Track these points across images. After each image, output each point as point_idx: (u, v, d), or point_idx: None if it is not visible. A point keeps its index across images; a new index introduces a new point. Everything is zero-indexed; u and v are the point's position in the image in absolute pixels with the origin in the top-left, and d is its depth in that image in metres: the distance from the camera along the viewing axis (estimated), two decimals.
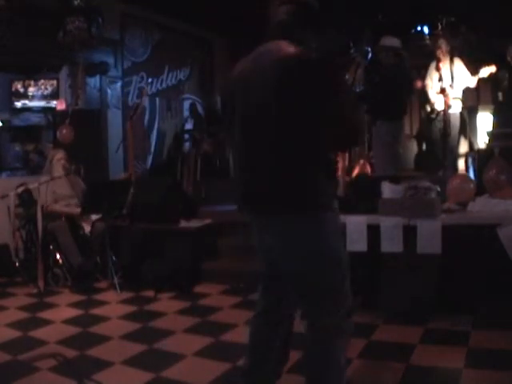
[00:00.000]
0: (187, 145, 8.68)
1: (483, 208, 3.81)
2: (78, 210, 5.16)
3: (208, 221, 5.54)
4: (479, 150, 5.66)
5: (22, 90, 7.33)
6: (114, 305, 4.44)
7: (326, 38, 2.32)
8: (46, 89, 7.38)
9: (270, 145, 1.96)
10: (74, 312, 4.23)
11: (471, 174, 5.52)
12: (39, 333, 3.71)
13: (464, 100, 5.97)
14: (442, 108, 5.91)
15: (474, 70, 5.84)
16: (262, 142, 1.99)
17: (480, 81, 5.90)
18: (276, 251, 2.10)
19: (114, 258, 4.94)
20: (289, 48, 1.99)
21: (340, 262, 2.06)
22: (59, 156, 5.39)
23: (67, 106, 7.17)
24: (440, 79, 5.92)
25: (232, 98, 2.12)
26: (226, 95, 2.23)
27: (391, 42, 5.44)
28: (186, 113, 9.44)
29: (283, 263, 2.10)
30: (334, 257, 2.04)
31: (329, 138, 2.00)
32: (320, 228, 2.01)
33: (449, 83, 5.85)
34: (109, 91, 7.92)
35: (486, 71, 5.74)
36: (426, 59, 6.37)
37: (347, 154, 6.09)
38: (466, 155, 6.30)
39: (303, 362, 2.14)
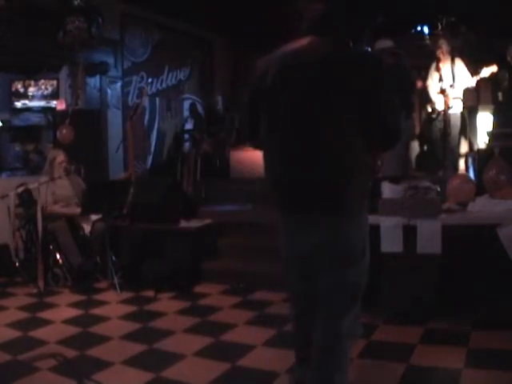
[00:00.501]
0: (187, 145, 8.69)
1: (483, 208, 3.81)
2: (78, 210, 5.16)
3: (208, 221, 5.54)
4: (479, 150, 5.65)
5: (21, 89, 7.32)
6: (113, 305, 4.44)
7: (360, 34, 2.31)
8: (46, 89, 7.38)
9: (321, 145, 1.93)
10: (74, 312, 4.23)
11: (471, 174, 5.52)
12: (39, 333, 3.71)
13: (464, 100, 5.97)
14: (443, 108, 5.91)
15: (474, 70, 5.84)
16: (311, 141, 1.95)
17: (480, 81, 5.91)
18: (320, 251, 2.02)
19: (113, 258, 4.94)
20: (338, 46, 2.00)
21: (368, 264, 2.07)
22: (60, 159, 5.39)
23: (67, 105, 7.17)
24: (440, 79, 5.92)
25: (265, 96, 2.06)
26: (256, 93, 2.12)
27: (384, 43, 5.48)
28: (186, 113, 9.44)
29: (327, 263, 2.02)
30: (368, 257, 2.06)
31: (371, 139, 1.99)
32: (363, 228, 2.05)
33: (449, 83, 5.85)
34: (109, 91, 7.92)
35: (486, 71, 5.74)
36: (426, 59, 6.36)
37: None
38: (466, 155, 6.30)
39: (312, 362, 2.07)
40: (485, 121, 6.45)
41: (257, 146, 2.23)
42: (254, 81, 2.14)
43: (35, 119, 7.40)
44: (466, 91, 5.95)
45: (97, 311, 4.25)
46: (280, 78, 2.01)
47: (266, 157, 2.12)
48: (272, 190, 2.11)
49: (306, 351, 2.10)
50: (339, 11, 2.11)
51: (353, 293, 2.03)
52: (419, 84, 6.19)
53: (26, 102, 7.31)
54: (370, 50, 5.81)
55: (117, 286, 4.73)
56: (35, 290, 4.80)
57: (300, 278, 2.14)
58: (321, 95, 1.93)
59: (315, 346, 2.04)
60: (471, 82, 5.83)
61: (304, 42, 2.04)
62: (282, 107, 2.01)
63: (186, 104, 9.57)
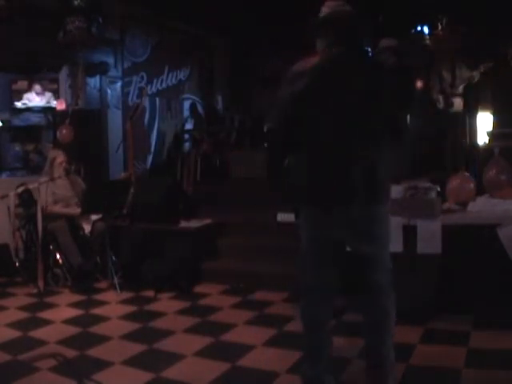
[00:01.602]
0: (187, 145, 8.69)
1: (483, 208, 3.81)
2: (78, 210, 5.16)
3: (208, 221, 5.54)
4: (479, 150, 5.65)
5: (22, 89, 7.32)
6: (113, 305, 4.44)
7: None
8: (46, 89, 7.38)
9: (362, 146, 2.27)
10: (74, 312, 4.23)
11: (471, 174, 5.52)
12: (39, 333, 3.71)
13: (464, 100, 5.98)
14: (443, 108, 5.91)
15: (474, 70, 5.85)
16: (353, 143, 2.28)
17: (480, 80, 5.91)
18: (358, 238, 2.38)
19: (113, 258, 4.94)
20: (363, 57, 2.40)
21: None
22: (60, 159, 5.38)
23: (67, 105, 7.17)
24: (440, 79, 5.92)
25: (305, 105, 2.29)
26: (296, 101, 2.33)
27: (388, 42, 5.47)
28: (186, 113, 9.45)
29: (365, 247, 2.37)
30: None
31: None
32: (388, 216, 2.47)
33: (449, 83, 5.86)
34: (109, 91, 7.92)
35: (486, 71, 5.75)
36: (426, 59, 6.37)
37: None
38: (466, 155, 6.29)
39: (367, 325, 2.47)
40: (485, 121, 6.45)
41: (286, 150, 2.47)
42: (292, 89, 2.34)
43: (35, 119, 7.40)
44: (466, 91, 5.96)
45: (97, 311, 4.25)
46: (320, 89, 2.29)
47: (307, 159, 2.33)
48: (315, 186, 2.34)
49: (323, 350, 2.48)
50: (362, 24, 2.44)
51: (388, 268, 2.43)
52: (419, 84, 6.19)
53: (26, 102, 7.31)
54: (369, 50, 5.82)
55: (117, 286, 4.73)
56: (35, 290, 4.80)
57: (331, 263, 2.44)
58: (356, 103, 2.25)
59: (368, 323, 2.45)
60: (471, 81, 5.84)
61: (334, 53, 2.35)
62: (324, 114, 2.27)
63: (186, 104, 9.57)
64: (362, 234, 2.37)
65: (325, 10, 2.50)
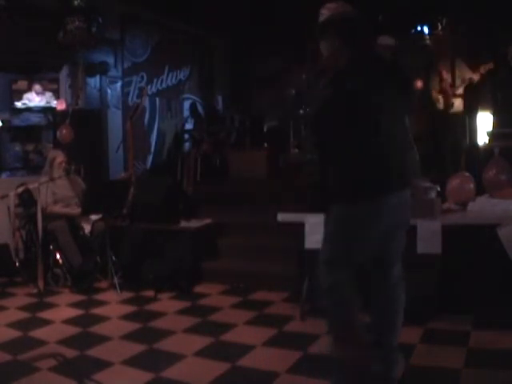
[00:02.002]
0: (187, 145, 8.69)
1: (483, 208, 3.80)
2: (78, 210, 5.16)
3: (208, 221, 5.54)
4: (479, 150, 5.65)
5: (22, 90, 7.32)
6: (113, 305, 4.44)
7: None
8: (46, 89, 7.38)
9: (404, 140, 2.54)
10: (74, 312, 4.23)
11: (471, 174, 5.52)
12: (39, 333, 3.71)
13: (464, 100, 5.98)
14: (443, 108, 5.91)
15: (474, 70, 5.85)
16: (403, 137, 2.54)
17: (480, 80, 5.91)
18: (403, 222, 2.60)
19: (113, 258, 4.93)
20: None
21: None
22: (59, 160, 5.38)
23: (67, 105, 7.17)
24: (440, 79, 5.93)
25: (362, 101, 2.36)
26: (353, 98, 2.38)
27: (385, 40, 5.47)
28: (186, 113, 9.45)
29: (404, 229, 2.62)
30: None
31: None
32: None
33: (449, 83, 5.86)
34: (109, 91, 7.92)
35: (486, 71, 5.75)
36: (426, 59, 6.37)
37: None
38: (466, 155, 6.29)
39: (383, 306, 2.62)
40: (485, 121, 6.45)
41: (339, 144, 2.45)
42: (344, 91, 2.39)
43: (35, 119, 7.40)
44: (466, 91, 5.96)
45: (97, 311, 4.25)
46: (374, 87, 2.39)
47: (368, 151, 2.38)
48: (380, 175, 2.42)
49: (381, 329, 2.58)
50: (368, 23, 2.63)
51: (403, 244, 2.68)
52: (419, 84, 6.19)
53: (26, 102, 7.31)
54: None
55: (117, 286, 4.73)
56: (35, 290, 4.79)
57: (382, 244, 2.53)
58: (399, 99, 2.47)
59: (387, 296, 2.61)
60: (471, 81, 5.84)
61: (370, 51, 2.61)
62: (381, 110, 2.39)
63: (186, 104, 9.57)
64: (403, 220, 2.58)
65: (325, 12, 2.53)
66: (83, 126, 6.72)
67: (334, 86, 2.43)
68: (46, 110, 7.34)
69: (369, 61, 2.50)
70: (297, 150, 7.67)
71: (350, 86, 2.35)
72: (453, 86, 5.82)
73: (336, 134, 2.40)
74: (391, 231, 2.52)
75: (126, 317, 4.08)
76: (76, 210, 5.20)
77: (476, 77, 5.78)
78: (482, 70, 5.75)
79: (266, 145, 8.03)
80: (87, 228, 5.23)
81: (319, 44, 2.57)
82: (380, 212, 2.42)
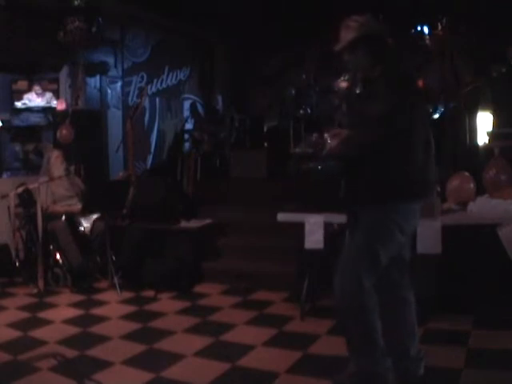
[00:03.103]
0: (187, 145, 8.68)
1: (483, 208, 3.80)
2: (79, 205, 5.15)
3: (208, 221, 5.54)
4: (479, 150, 5.65)
5: (22, 89, 7.32)
6: (113, 305, 4.44)
7: None
8: (47, 89, 7.38)
9: (430, 148, 2.57)
10: (74, 312, 4.23)
11: (471, 174, 5.52)
12: (39, 333, 3.71)
13: (464, 99, 5.97)
14: (442, 108, 5.91)
15: (474, 70, 5.84)
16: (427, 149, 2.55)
17: (480, 80, 5.90)
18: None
19: (113, 258, 4.93)
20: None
21: None
22: (55, 154, 5.38)
23: (67, 105, 7.17)
24: (440, 79, 5.92)
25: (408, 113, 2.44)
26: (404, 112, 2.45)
27: None
28: (186, 113, 9.44)
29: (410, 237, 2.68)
30: None
31: None
32: None
33: (449, 83, 5.85)
34: (109, 91, 7.92)
35: (487, 71, 5.74)
36: (426, 59, 6.36)
37: None
38: (466, 155, 6.29)
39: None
40: (485, 121, 6.45)
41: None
42: (395, 103, 2.43)
43: (35, 119, 7.40)
44: (466, 91, 5.95)
45: (97, 311, 4.25)
46: (411, 100, 2.49)
47: (404, 160, 2.46)
48: (414, 185, 2.49)
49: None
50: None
51: None
52: (419, 84, 6.18)
53: (26, 102, 7.31)
54: None
55: (117, 286, 4.73)
56: (35, 290, 4.80)
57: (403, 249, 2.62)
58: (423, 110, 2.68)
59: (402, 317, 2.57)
60: (471, 81, 5.83)
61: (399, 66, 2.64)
62: (416, 121, 2.48)
63: (186, 104, 9.57)
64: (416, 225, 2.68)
65: (355, 26, 2.55)
66: (83, 126, 6.71)
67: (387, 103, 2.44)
68: (46, 110, 7.34)
69: (400, 78, 2.53)
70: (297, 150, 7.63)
71: (393, 101, 2.40)
72: (453, 85, 5.81)
73: (382, 143, 2.43)
74: (411, 233, 2.65)
75: (126, 317, 4.08)
76: (77, 207, 5.20)
77: (476, 77, 5.78)
78: (482, 69, 5.75)
79: (266, 145, 8.02)
80: (87, 228, 5.23)
81: (345, 54, 2.59)
82: (413, 214, 2.53)
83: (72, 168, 5.46)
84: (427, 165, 2.53)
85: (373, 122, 2.42)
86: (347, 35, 2.55)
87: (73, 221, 5.22)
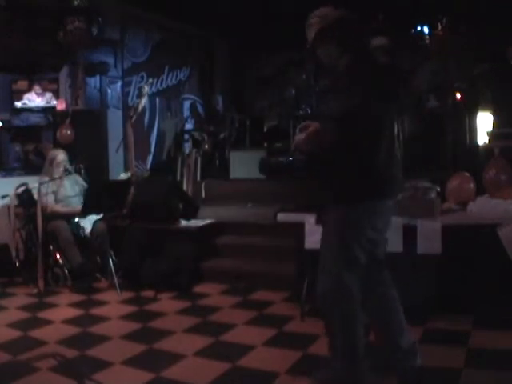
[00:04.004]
0: (187, 145, 8.68)
1: (483, 208, 3.81)
2: (79, 208, 5.15)
3: (208, 221, 5.54)
4: (479, 150, 5.65)
5: (22, 90, 7.32)
6: (114, 305, 4.44)
7: None
8: (46, 89, 7.38)
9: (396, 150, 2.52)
10: (74, 312, 4.23)
11: (471, 174, 5.52)
12: (39, 333, 3.71)
13: (464, 99, 5.97)
14: (442, 107, 5.91)
15: (473, 70, 5.84)
16: (394, 146, 2.52)
17: (480, 80, 5.91)
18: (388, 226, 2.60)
19: (113, 258, 4.93)
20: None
21: None
22: (60, 159, 5.37)
23: (67, 105, 7.17)
24: (440, 79, 5.92)
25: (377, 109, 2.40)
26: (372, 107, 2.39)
27: (379, 41, 5.48)
28: (186, 113, 9.44)
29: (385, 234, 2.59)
30: None
31: None
32: None
33: (448, 83, 5.85)
34: (109, 91, 7.92)
35: (486, 71, 5.74)
36: (425, 59, 6.37)
37: None
38: (466, 155, 6.29)
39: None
40: (485, 121, 6.45)
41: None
42: (363, 97, 2.38)
43: (35, 119, 7.40)
44: (466, 90, 5.95)
45: (97, 311, 4.25)
46: (376, 98, 2.43)
47: (374, 155, 2.40)
48: (385, 183, 2.46)
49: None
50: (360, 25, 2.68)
51: None
52: (419, 84, 6.19)
53: (26, 102, 7.31)
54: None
55: (117, 286, 4.73)
56: (35, 290, 4.79)
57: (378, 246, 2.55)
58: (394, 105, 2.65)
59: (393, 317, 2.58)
60: (471, 81, 5.83)
61: (368, 53, 2.66)
62: (386, 118, 2.47)
63: (186, 104, 9.57)
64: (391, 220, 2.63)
65: (317, 20, 2.51)
66: (83, 126, 6.71)
67: (349, 96, 2.36)
68: (46, 110, 7.34)
69: (369, 66, 2.45)
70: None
71: (360, 101, 2.31)
72: (452, 85, 5.81)
73: (349, 142, 2.37)
74: (385, 230, 2.58)
75: (126, 317, 4.08)
76: (78, 208, 5.20)
77: (476, 77, 5.78)
78: (482, 69, 5.75)
79: (265, 145, 8.02)
80: (87, 228, 5.23)
81: (316, 50, 2.56)
82: (386, 210, 2.52)
83: (72, 168, 5.45)
84: (393, 160, 2.48)
85: (333, 122, 2.34)
86: (311, 33, 2.54)
87: (73, 220, 5.20)
